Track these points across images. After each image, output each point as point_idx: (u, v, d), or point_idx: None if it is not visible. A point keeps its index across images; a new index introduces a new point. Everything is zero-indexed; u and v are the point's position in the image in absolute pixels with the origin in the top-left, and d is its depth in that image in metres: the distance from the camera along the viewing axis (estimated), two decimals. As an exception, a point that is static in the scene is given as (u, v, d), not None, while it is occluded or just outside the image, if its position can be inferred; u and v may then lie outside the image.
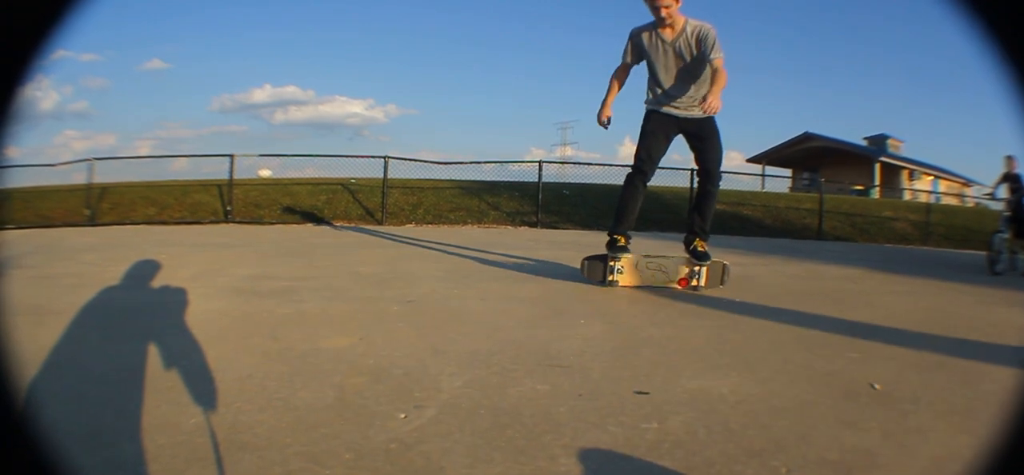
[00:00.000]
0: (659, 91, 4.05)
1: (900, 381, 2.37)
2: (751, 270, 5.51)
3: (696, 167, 4.21)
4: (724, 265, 4.27)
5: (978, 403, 2.16)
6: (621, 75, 4.16)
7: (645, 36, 4.02)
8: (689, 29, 3.91)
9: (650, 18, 3.98)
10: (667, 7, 3.82)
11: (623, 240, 4.19)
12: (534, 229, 10.39)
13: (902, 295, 4.78)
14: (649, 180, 4.19)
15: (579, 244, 7.21)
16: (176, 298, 3.57)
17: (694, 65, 3.95)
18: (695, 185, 4.36)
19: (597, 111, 4.15)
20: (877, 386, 2.28)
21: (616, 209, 4.23)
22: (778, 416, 1.96)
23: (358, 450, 1.62)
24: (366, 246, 6.64)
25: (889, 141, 26.92)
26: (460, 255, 6.04)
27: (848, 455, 1.71)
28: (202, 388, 2.04)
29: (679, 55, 3.96)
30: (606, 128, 4.19)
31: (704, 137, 4.04)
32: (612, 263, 4.16)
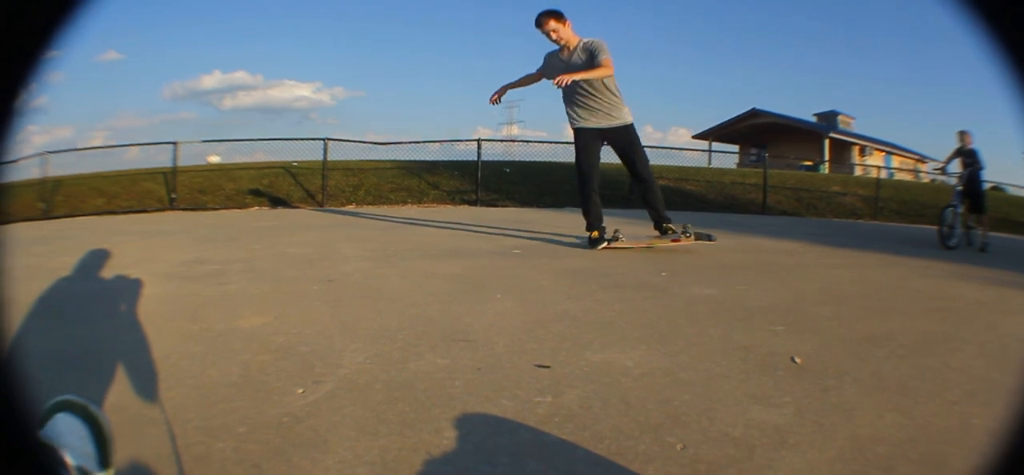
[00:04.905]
0: (573, 107, 4.52)
1: (826, 355, 2.27)
2: (683, 243, 5.55)
3: (627, 170, 4.66)
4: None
5: (914, 380, 2.05)
6: (526, 79, 4.72)
7: (551, 58, 4.56)
8: (581, 46, 4.38)
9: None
10: (554, 30, 4.37)
11: (597, 233, 4.68)
12: (473, 208, 10.41)
13: (842, 268, 4.65)
14: (596, 182, 4.61)
15: (516, 221, 7.31)
16: (112, 286, 3.65)
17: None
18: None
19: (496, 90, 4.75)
20: (798, 360, 2.20)
21: (583, 212, 4.72)
22: (683, 389, 1.91)
23: (252, 423, 1.70)
24: (301, 228, 6.63)
25: (839, 117, 26.88)
26: (392, 234, 6.08)
27: (753, 431, 1.63)
28: (123, 369, 2.12)
29: (574, 70, 4.38)
30: (494, 104, 4.86)
31: (625, 144, 4.50)
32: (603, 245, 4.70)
